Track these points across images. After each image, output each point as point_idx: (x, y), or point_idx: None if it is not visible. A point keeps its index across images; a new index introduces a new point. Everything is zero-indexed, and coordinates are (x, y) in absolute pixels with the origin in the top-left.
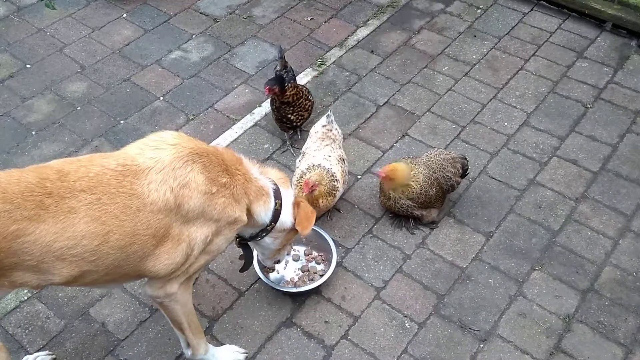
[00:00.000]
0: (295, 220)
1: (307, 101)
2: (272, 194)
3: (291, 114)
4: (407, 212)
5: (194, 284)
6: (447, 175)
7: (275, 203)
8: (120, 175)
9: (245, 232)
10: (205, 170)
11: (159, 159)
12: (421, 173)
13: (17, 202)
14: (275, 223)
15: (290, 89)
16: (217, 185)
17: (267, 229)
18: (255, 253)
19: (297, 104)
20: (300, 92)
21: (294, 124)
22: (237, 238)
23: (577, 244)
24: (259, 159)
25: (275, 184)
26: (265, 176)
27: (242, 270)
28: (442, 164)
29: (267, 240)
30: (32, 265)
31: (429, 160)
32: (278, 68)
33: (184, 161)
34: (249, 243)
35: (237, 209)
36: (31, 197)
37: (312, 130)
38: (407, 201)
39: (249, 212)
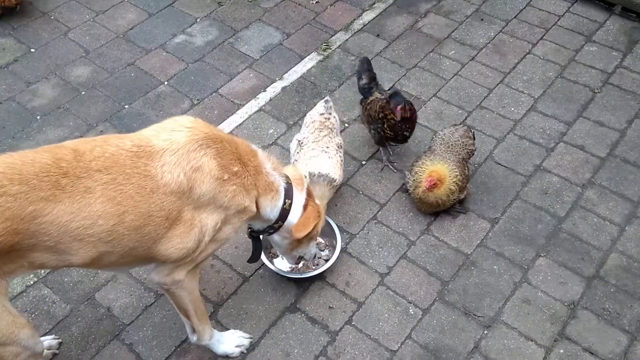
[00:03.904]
0: None
1: (416, 112)
2: (282, 192)
3: (407, 130)
4: (454, 203)
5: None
6: (470, 149)
7: (285, 202)
8: (135, 156)
9: (254, 224)
10: (218, 156)
11: (174, 141)
12: (453, 162)
13: (33, 183)
14: (283, 222)
15: (408, 104)
16: (229, 173)
17: (274, 227)
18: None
19: (414, 117)
20: (412, 104)
21: (408, 139)
22: (248, 229)
23: (583, 230)
24: (263, 144)
25: (290, 183)
26: (279, 173)
27: (249, 261)
28: (462, 142)
29: (276, 238)
30: (50, 246)
31: (449, 146)
32: (365, 81)
33: (199, 144)
34: (262, 237)
35: (246, 199)
36: (47, 178)
37: (308, 118)
38: (452, 195)
39: (256, 205)
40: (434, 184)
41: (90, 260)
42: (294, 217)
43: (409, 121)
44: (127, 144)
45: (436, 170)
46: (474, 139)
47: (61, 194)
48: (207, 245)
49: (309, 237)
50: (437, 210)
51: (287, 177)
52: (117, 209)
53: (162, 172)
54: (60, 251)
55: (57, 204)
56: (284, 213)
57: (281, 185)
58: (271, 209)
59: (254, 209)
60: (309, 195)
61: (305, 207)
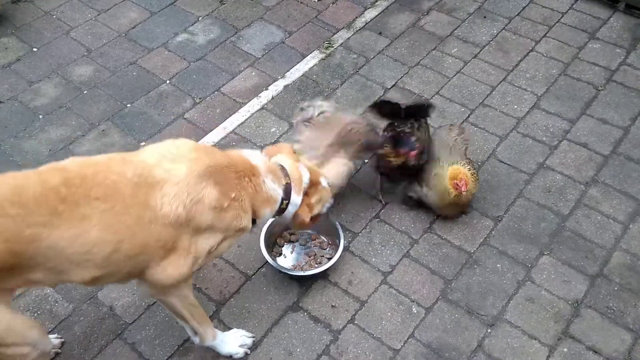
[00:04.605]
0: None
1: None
2: (279, 199)
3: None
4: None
5: (200, 269)
6: (467, 144)
7: (282, 202)
8: (136, 186)
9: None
10: (218, 184)
11: (175, 173)
12: (461, 159)
13: (31, 207)
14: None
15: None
16: (228, 199)
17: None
18: (262, 239)
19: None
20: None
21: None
22: None
23: (586, 228)
24: (265, 143)
25: (289, 183)
26: (280, 184)
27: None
28: (460, 139)
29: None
30: (48, 267)
31: (449, 147)
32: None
33: (200, 177)
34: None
35: (244, 220)
36: (45, 203)
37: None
38: (475, 188)
39: (255, 213)
40: (465, 184)
41: (89, 280)
42: (288, 215)
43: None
44: (129, 173)
45: (455, 173)
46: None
47: (58, 220)
48: (201, 263)
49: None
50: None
51: (287, 178)
52: (114, 238)
53: (161, 203)
54: (59, 272)
55: (53, 229)
56: (280, 212)
57: (279, 195)
58: (270, 212)
59: (250, 225)
60: (307, 194)
61: (306, 202)
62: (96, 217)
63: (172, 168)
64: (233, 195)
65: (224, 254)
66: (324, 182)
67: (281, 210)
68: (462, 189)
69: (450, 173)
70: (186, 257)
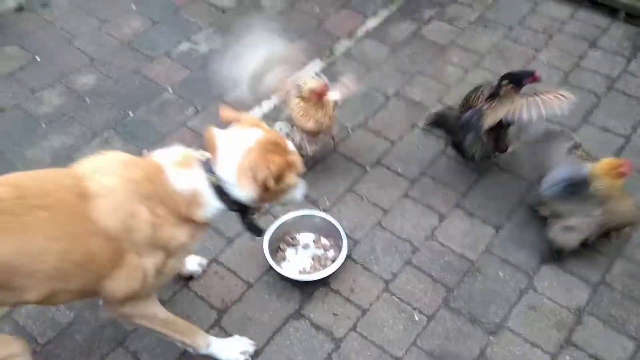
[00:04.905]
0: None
1: None
2: (203, 187)
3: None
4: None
5: (201, 275)
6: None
7: (211, 181)
8: (76, 196)
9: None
10: (146, 199)
11: (106, 186)
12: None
13: None
14: (229, 195)
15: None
16: (158, 216)
17: (233, 207)
18: (265, 245)
19: None
20: None
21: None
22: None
23: None
24: None
25: (205, 160)
26: (189, 166)
27: (256, 235)
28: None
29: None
30: (2, 283)
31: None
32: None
33: (131, 190)
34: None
35: (181, 235)
36: None
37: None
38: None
39: (188, 220)
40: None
41: (45, 297)
42: (233, 182)
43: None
44: (68, 183)
45: (609, 163)
46: None
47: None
48: (152, 281)
49: (280, 190)
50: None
51: (198, 161)
52: (60, 246)
53: (99, 218)
54: (14, 288)
55: None
56: (220, 190)
57: (201, 183)
58: (206, 208)
59: (195, 238)
60: (259, 147)
61: (247, 163)
62: (40, 227)
63: (102, 181)
64: (162, 212)
65: (176, 271)
66: (290, 145)
67: (221, 190)
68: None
69: (603, 166)
70: (135, 273)
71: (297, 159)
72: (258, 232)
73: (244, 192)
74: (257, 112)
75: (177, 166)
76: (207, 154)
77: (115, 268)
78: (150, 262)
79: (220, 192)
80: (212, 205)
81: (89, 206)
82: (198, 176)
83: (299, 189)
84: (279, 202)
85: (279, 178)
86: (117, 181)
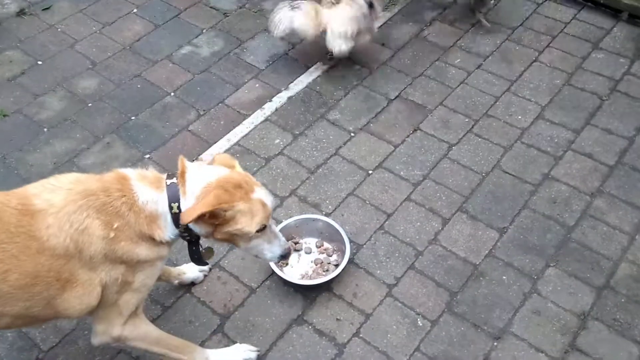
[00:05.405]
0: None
1: None
2: (164, 211)
3: None
4: None
5: (203, 281)
6: None
7: (171, 208)
8: (20, 214)
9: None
10: (99, 213)
11: (53, 203)
12: None
13: None
14: (184, 225)
15: None
16: (113, 230)
17: (184, 235)
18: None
19: None
20: None
21: None
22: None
23: (592, 239)
24: (269, 154)
25: (173, 183)
26: (157, 188)
27: (196, 263)
28: None
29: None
30: None
31: None
32: None
33: (78, 205)
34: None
35: (140, 250)
36: None
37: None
38: None
39: (148, 236)
40: None
41: None
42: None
43: None
44: (13, 202)
45: None
46: None
47: None
48: (125, 297)
49: (234, 234)
50: None
51: (167, 181)
52: None
53: (47, 235)
54: None
55: None
56: (177, 218)
57: (163, 206)
58: (164, 231)
59: (159, 253)
60: (218, 184)
61: (203, 196)
62: None
63: (49, 198)
64: (116, 225)
65: (151, 287)
66: (259, 193)
67: (177, 217)
68: None
69: None
70: (92, 291)
71: (261, 207)
72: (201, 263)
73: (182, 219)
74: (259, 114)
75: (147, 184)
76: (189, 171)
77: (68, 288)
78: (111, 275)
79: (177, 220)
80: (169, 229)
81: (34, 224)
82: (163, 200)
83: (273, 245)
84: (248, 251)
85: (220, 216)
86: (65, 196)
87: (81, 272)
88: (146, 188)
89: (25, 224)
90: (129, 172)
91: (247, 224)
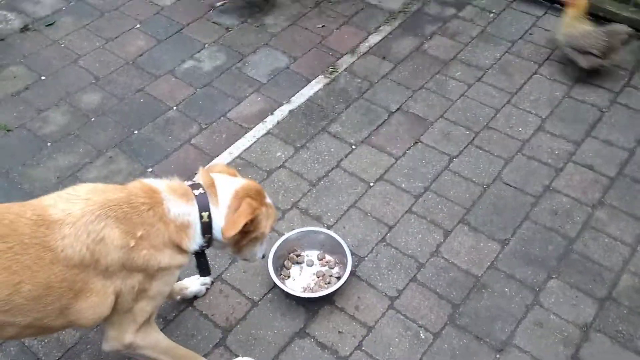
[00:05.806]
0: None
1: None
2: (197, 222)
3: None
4: None
5: (205, 294)
6: None
7: (201, 217)
8: (35, 224)
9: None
10: (119, 223)
11: (70, 213)
12: None
13: None
14: (211, 234)
15: None
16: (134, 239)
17: (205, 244)
18: (270, 263)
19: None
20: None
21: None
22: None
23: (594, 251)
24: (271, 167)
25: (204, 192)
26: (188, 200)
27: (201, 275)
28: None
29: (217, 245)
30: None
31: None
32: None
33: (96, 216)
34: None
35: (163, 257)
36: None
37: None
38: None
39: (176, 245)
40: None
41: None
42: (220, 221)
43: None
44: (28, 213)
45: None
46: None
47: None
48: (141, 305)
49: (254, 237)
50: None
51: (199, 189)
52: (12, 279)
53: (62, 245)
54: None
55: None
56: (207, 227)
57: (193, 214)
58: (193, 240)
59: (180, 260)
60: (244, 193)
61: (235, 205)
62: None
63: (66, 208)
64: (139, 233)
65: (166, 294)
66: (268, 197)
67: (208, 228)
68: None
69: None
70: (105, 299)
71: (273, 210)
72: (207, 273)
73: (228, 232)
74: (261, 127)
75: (177, 195)
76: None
77: (81, 298)
78: (127, 283)
79: (206, 229)
80: (197, 239)
81: (50, 234)
82: (195, 211)
83: (263, 244)
84: (242, 255)
85: (257, 224)
86: (83, 206)
87: (96, 281)
88: (177, 201)
89: (40, 234)
90: (157, 183)
91: (266, 227)
